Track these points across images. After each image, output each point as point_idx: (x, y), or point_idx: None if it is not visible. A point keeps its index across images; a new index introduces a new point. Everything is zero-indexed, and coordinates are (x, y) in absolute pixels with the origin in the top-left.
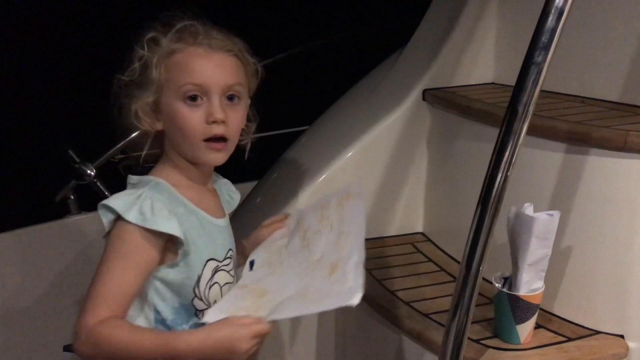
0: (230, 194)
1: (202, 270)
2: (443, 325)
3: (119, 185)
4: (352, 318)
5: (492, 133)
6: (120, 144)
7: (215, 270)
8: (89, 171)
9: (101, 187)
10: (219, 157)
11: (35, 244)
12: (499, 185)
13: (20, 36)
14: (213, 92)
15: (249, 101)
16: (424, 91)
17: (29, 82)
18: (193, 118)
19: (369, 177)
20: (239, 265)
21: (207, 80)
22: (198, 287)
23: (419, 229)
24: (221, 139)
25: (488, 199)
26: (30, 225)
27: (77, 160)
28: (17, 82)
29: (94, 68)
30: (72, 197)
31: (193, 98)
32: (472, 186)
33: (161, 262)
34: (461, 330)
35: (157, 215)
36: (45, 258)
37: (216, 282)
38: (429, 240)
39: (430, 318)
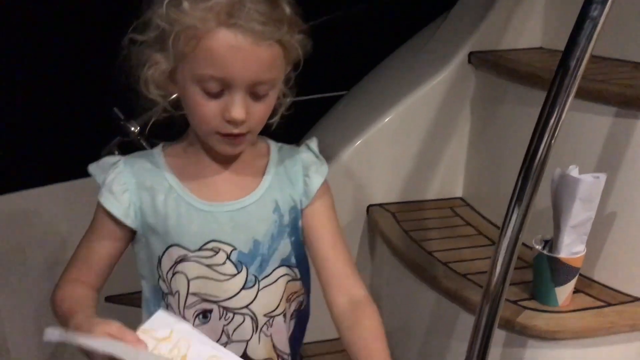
0: (306, 179)
1: (162, 253)
2: (480, 286)
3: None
4: (388, 277)
5: (539, 97)
6: (164, 102)
7: (181, 259)
8: (132, 128)
9: (144, 144)
10: (234, 150)
11: (82, 196)
12: (546, 140)
13: None
14: (236, 87)
15: (287, 74)
16: (470, 54)
17: (76, 41)
18: (209, 109)
19: (410, 140)
20: None
21: (231, 75)
22: (160, 268)
23: (459, 194)
24: (238, 134)
25: (535, 155)
26: (77, 178)
27: (122, 117)
28: (63, 40)
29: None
30: (116, 152)
31: (212, 89)
32: (515, 151)
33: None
34: (500, 289)
35: (105, 188)
36: (91, 210)
37: (181, 272)
38: (468, 205)
39: (467, 278)
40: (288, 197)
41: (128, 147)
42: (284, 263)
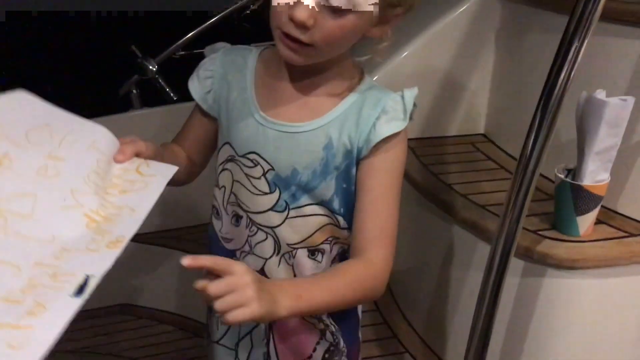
0: (372, 129)
1: (221, 147)
2: (498, 216)
3: (181, 82)
4: (406, 210)
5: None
6: (181, 41)
7: (230, 158)
8: (150, 67)
9: (162, 83)
10: (293, 57)
11: None
12: (571, 57)
13: None
14: None
15: (397, 12)
16: None
17: None
18: (280, 1)
19: (431, 74)
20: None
21: None
22: (217, 159)
23: (481, 130)
24: (299, 40)
25: (562, 67)
26: (96, 116)
27: (140, 55)
28: None
29: None
30: (134, 91)
31: None
32: (540, 84)
33: None
34: (518, 214)
35: (196, 71)
36: None
37: (228, 170)
38: (490, 141)
39: (486, 209)
40: (346, 139)
41: (146, 86)
42: (323, 204)
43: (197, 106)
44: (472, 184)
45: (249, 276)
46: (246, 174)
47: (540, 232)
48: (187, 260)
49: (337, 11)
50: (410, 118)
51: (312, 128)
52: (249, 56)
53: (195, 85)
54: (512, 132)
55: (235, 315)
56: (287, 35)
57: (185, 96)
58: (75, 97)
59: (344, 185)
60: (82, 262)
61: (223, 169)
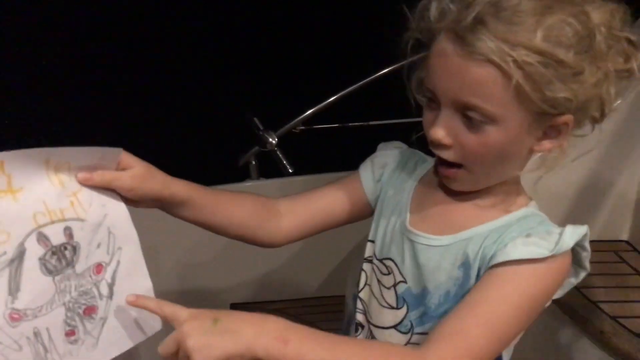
0: (511, 243)
1: (367, 244)
2: None
3: (298, 156)
4: (546, 325)
5: None
6: (302, 116)
7: (370, 259)
8: (270, 139)
9: (280, 155)
10: (449, 183)
11: None
12: None
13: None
14: (442, 104)
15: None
16: None
17: (217, 51)
18: (425, 120)
19: (572, 169)
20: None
21: (435, 87)
22: (364, 252)
23: (624, 236)
24: (448, 162)
25: None
26: (214, 184)
27: (261, 127)
28: (205, 51)
29: (282, 39)
30: (253, 162)
31: (430, 100)
32: None
33: None
34: None
35: (373, 156)
36: None
37: (364, 270)
38: (636, 250)
39: None
40: (479, 259)
41: (265, 157)
42: None
43: (354, 183)
44: (622, 305)
45: (190, 324)
46: (379, 281)
47: None
48: (130, 297)
49: (474, 126)
50: (581, 266)
51: (449, 242)
52: (421, 165)
53: (367, 170)
54: None
55: None
56: (440, 160)
57: (301, 170)
58: (194, 164)
59: None
60: None
61: (362, 269)
